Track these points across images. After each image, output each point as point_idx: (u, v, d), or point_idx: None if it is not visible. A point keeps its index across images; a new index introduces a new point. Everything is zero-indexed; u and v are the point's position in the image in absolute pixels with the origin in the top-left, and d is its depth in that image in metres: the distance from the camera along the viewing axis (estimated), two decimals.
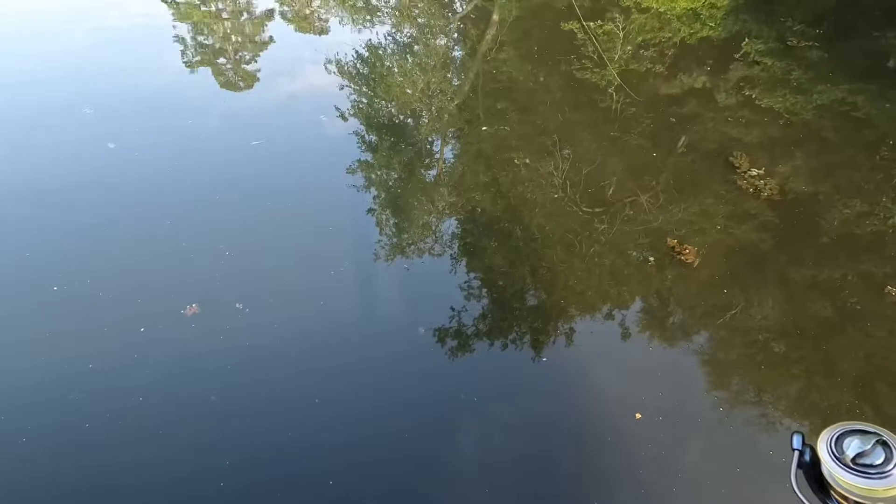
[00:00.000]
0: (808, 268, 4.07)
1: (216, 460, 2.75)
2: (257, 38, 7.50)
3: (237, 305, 3.46)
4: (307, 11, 8.48)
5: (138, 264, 3.73)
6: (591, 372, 3.38)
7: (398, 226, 4.32)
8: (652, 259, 3.98)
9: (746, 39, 6.85)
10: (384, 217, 4.39)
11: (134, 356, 3.15)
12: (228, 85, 6.29)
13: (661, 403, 3.10)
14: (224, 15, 8.10)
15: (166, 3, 8.04)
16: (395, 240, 4.17)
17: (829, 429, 0.98)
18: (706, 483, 2.83)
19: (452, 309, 3.56)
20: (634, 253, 4.07)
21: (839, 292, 3.87)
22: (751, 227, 4.33)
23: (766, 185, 4.58)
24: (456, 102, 5.81)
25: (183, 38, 7.15)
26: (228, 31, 7.59)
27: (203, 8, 8.17)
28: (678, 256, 3.95)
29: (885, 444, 0.93)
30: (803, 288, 3.93)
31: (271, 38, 7.47)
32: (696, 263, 3.95)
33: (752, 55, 6.54)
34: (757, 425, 3.11)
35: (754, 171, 4.69)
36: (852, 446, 0.94)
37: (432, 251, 4.10)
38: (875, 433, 0.95)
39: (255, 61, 6.80)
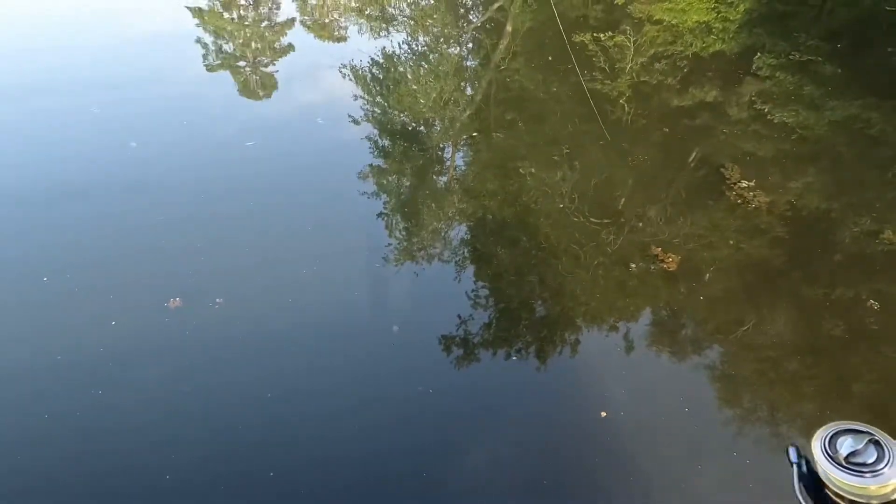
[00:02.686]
0: (820, 286, 3.86)
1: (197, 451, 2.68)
2: (276, 45, 7.42)
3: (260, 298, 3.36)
4: (326, 20, 8.41)
5: (134, 259, 3.70)
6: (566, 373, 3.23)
7: (399, 227, 4.20)
8: (652, 267, 3.80)
9: (759, 54, 6.61)
10: (378, 214, 4.26)
11: (118, 346, 3.11)
12: (245, 90, 6.21)
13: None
14: (246, 22, 8.04)
15: (191, 10, 7.99)
16: (399, 242, 4.03)
17: (822, 428, 0.98)
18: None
19: (439, 307, 3.43)
20: (634, 265, 3.88)
21: (846, 310, 3.66)
22: (763, 241, 4.13)
23: (755, 196, 4.38)
24: (468, 112, 5.67)
25: (206, 44, 7.10)
26: (249, 37, 7.52)
27: (226, 15, 8.11)
28: (661, 264, 3.79)
29: (877, 443, 0.93)
30: (814, 306, 3.73)
31: (291, 46, 7.38)
32: (706, 278, 3.76)
33: (764, 70, 6.31)
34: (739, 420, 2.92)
35: (744, 184, 4.50)
36: (845, 445, 0.93)
37: (437, 255, 3.97)
38: (867, 432, 0.95)
39: (274, 64, 6.73)
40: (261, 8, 8.48)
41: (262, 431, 2.80)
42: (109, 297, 3.39)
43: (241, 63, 6.78)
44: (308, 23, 8.23)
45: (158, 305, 3.33)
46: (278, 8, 8.42)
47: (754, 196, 4.39)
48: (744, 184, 4.49)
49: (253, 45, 7.32)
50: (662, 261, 3.79)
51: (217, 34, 7.45)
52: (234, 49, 7.23)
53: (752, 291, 3.82)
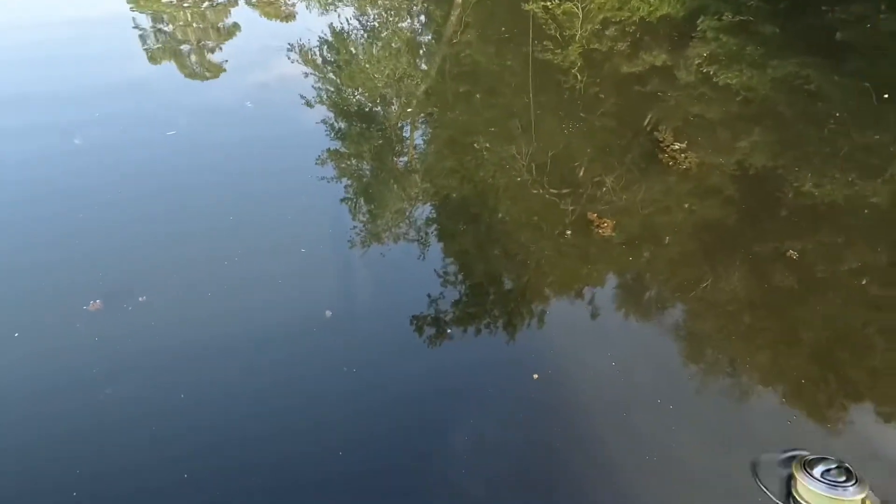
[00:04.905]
0: (771, 241, 3.96)
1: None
2: (221, 26, 6.97)
3: (208, 294, 3.19)
4: None
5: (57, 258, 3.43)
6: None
7: (348, 215, 4.05)
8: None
9: (703, 17, 6.62)
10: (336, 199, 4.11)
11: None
12: (190, 74, 5.83)
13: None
14: (186, 3, 7.51)
15: None
16: (342, 231, 3.90)
17: (798, 457, 1.24)
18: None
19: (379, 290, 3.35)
20: (570, 231, 3.88)
21: (797, 264, 3.77)
22: (697, 201, 4.19)
23: (686, 158, 4.44)
24: (423, 88, 5.48)
25: (144, 28, 6.60)
26: (189, 19, 7.03)
27: None
28: (598, 230, 3.79)
29: (846, 469, 1.19)
30: (766, 260, 3.82)
31: (236, 26, 6.95)
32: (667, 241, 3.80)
33: (708, 32, 6.32)
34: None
35: (676, 146, 4.55)
36: (819, 468, 1.23)
37: (405, 237, 3.86)
38: (837, 460, 1.22)
39: (220, 48, 6.32)
40: None
41: (191, 444, 2.55)
42: (20, 305, 3.13)
43: (185, 47, 6.34)
44: (253, 1, 7.76)
45: (77, 309, 3.08)
46: None
47: (685, 158, 4.43)
48: (676, 146, 4.53)
49: (195, 26, 6.85)
50: (598, 226, 3.83)
51: (155, 18, 6.93)
52: (175, 32, 6.75)
53: (694, 251, 3.88)
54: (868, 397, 3.06)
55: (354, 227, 3.87)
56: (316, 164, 4.38)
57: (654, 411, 2.88)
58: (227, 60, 6.00)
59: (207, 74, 5.81)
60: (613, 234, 3.80)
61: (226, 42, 6.50)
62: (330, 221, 3.92)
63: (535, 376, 2.91)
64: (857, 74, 5.79)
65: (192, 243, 3.57)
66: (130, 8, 6.97)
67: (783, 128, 5.15)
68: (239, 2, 7.55)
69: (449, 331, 3.19)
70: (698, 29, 6.40)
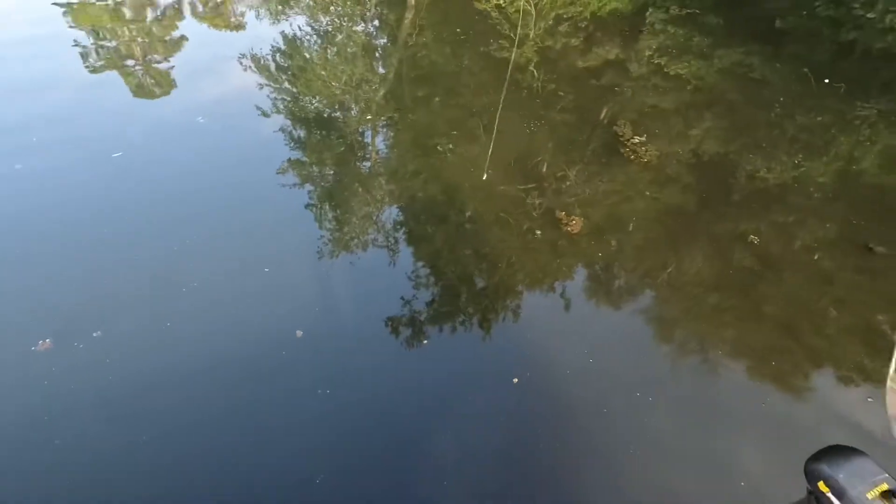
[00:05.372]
0: (728, 222, 4.07)
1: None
2: (168, 39, 6.72)
3: (167, 324, 3.04)
4: (220, 6, 7.71)
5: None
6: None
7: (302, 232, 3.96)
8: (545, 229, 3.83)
9: (650, 9, 6.78)
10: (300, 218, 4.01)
11: None
12: (139, 91, 5.59)
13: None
14: (128, 16, 7.21)
15: (60, 6, 7.05)
16: (325, 240, 3.82)
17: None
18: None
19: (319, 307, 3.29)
20: (539, 231, 3.91)
21: (753, 244, 3.88)
22: (657, 191, 4.28)
23: (646, 151, 4.51)
24: (382, 92, 5.41)
25: (84, 45, 6.30)
26: (134, 33, 6.75)
27: (103, 13, 7.23)
28: (566, 227, 3.82)
29: None
30: (725, 242, 3.92)
31: (184, 38, 6.71)
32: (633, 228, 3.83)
33: (657, 24, 6.48)
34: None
35: (636, 139, 4.62)
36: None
37: (372, 244, 3.79)
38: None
39: (168, 60, 6.09)
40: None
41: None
42: None
43: (130, 62, 6.09)
44: (200, 12, 7.52)
45: (25, 351, 2.87)
46: None
47: (646, 151, 4.51)
48: (636, 139, 4.61)
49: (140, 41, 6.58)
50: (566, 224, 3.84)
51: (96, 34, 6.63)
52: (119, 47, 6.48)
53: (658, 239, 3.95)
54: (828, 363, 3.19)
55: (321, 237, 3.78)
56: (277, 174, 4.27)
57: (631, 401, 2.91)
58: (176, 73, 5.79)
59: (157, 91, 5.58)
60: (580, 230, 3.83)
61: (174, 55, 6.27)
62: (294, 235, 3.81)
63: (515, 380, 2.89)
64: (797, 60, 6.04)
65: (147, 270, 3.38)
66: (69, 26, 6.65)
67: (732, 114, 5.32)
68: (185, 15, 7.31)
69: (424, 342, 3.13)
70: (647, 22, 6.55)
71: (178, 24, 7.08)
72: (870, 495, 0.91)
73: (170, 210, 3.86)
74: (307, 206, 4.03)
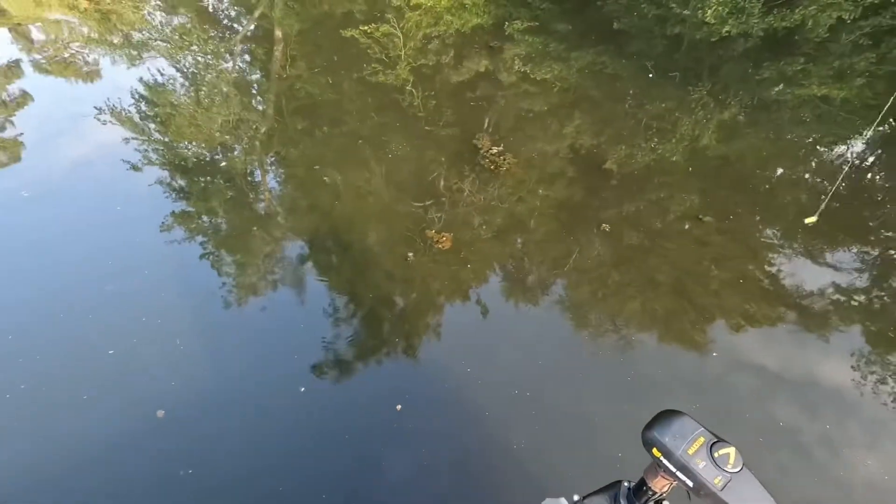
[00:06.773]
0: (611, 208, 4.43)
1: None
2: (5, 97, 5.93)
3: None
4: (66, 56, 6.95)
5: None
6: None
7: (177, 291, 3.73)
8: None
9: (507, 22, 7.20)
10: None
11: None
12: None
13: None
14: None
15: None
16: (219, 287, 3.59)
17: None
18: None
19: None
20: (412, 253, 4.02)
21: (638, 224, 4.27)
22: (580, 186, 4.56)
23: (504, 160, 4.57)
24: (264, 129, 5.20)
25: None
26: None
27: None
28: (437, 245, 3.95)
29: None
30: (611, 224, 4.26)
31: (27, 95, 5.96)
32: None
33: (516, 35, 6.90)
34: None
35: (494, 150, 4.70)
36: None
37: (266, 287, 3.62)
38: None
39: (11, 122, 5.37)
40: None
41: None
42: None
43: None
44: (42, 63, 6.73)
45: None
46: None
47: (504, 160, 4.62)
48: (494, 150, 4.69)
49: None
50: (437, 242, 3.85)
51: None
52: None
53: (556, 230, 4.21)
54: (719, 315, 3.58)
55: (199, 294, 3.54)
56: (161, 231, 3.93)
57: (513, 400, 3.03)
58: (22, 134, 5.13)
59: (2, 158, 4.90)
60: (450, 245, 3.83)
61: (15, 114, 5.55)
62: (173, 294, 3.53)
63: (399, 407, 2.89)
64: (639, 55, 6.75)
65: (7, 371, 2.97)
66: None
67: (596, 109, 5.80)
68: (24, 70, 6.50)
69: (301, 389, 3.00)
70: (506, 34, 6.95)
71: (16, 80, 6.28)
72: (690, 451, 0.98)
73: (24, 295, 3.39)
74: (198, 257, 3.75)
